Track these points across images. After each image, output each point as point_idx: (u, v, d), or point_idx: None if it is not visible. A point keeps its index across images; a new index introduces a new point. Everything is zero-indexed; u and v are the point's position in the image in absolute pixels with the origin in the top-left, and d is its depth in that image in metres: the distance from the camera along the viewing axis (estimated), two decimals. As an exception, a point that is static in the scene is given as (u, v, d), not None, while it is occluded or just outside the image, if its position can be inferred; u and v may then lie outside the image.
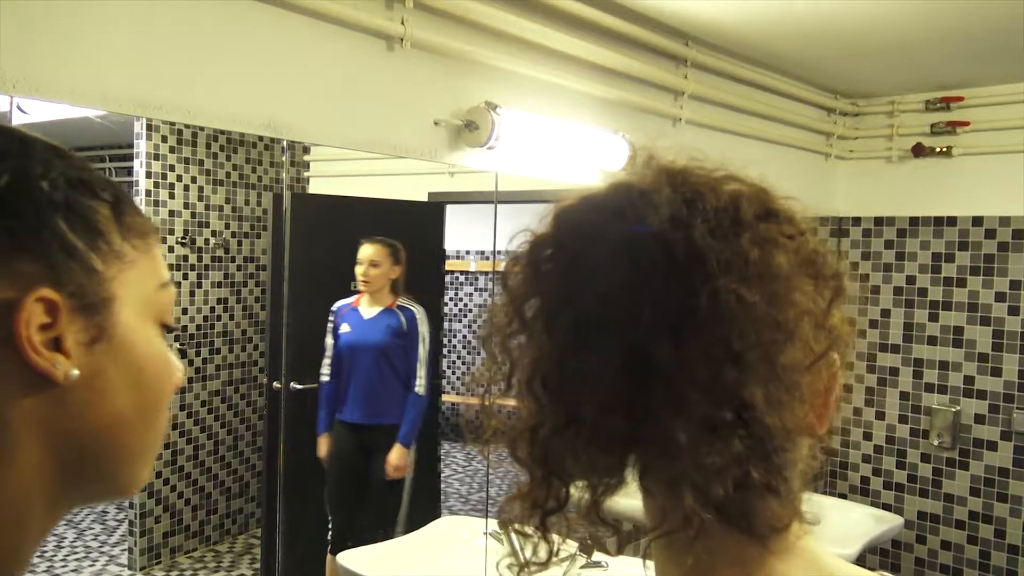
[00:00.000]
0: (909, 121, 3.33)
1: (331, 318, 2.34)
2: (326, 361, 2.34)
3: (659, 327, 0.50)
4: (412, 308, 2.39)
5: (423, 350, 2.38)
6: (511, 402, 0.59)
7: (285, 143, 1.80)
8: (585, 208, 0.55)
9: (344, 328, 2.36)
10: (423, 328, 2.38)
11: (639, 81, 2.47)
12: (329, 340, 2.35)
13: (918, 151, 3.27)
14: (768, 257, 0.51)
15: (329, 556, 2.29)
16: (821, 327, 0.53)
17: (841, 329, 0.56)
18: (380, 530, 2.27)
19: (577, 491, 0.56)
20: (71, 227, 0.47)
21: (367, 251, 2.33)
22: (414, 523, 2.28)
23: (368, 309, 2.37)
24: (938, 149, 3.24)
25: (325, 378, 2.36)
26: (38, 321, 0.45)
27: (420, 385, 2.39)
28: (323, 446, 2.36)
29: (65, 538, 2.93)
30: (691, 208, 0.52)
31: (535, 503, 0.56)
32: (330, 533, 2.31)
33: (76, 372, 0.46)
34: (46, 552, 2.75)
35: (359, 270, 2.33)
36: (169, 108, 1.45)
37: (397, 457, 2.38)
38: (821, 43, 2.63)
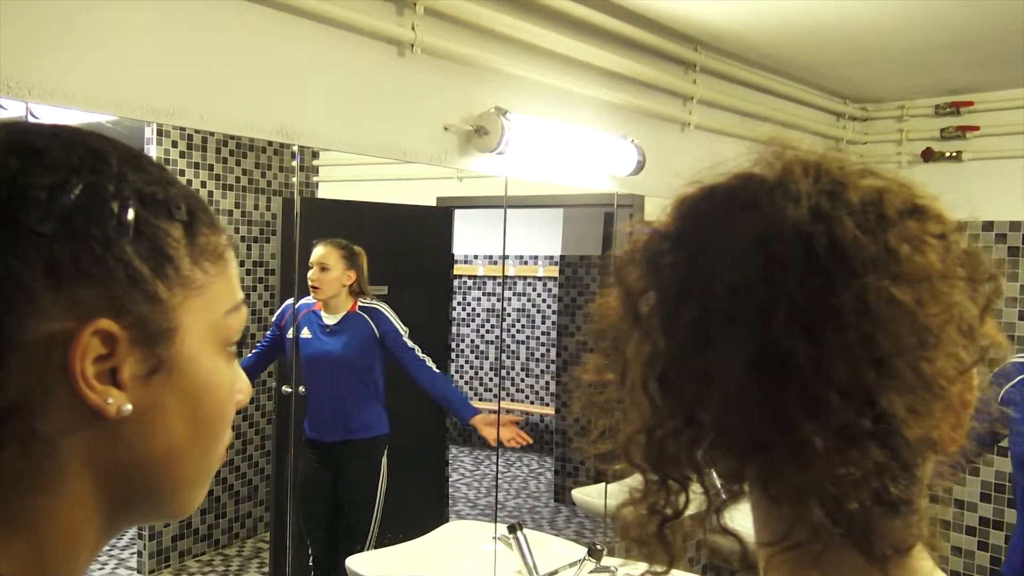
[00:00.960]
0: (919, 126, 3.32)
1: (294, 313, 2.12)
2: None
3: (795, 324, 0.46)
4: (378, 307, 2.21)
5: (407, 339, 2.21)
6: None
7: (296, 148, 1.80)
8: (711, 198, 0.52)
9: (305, 333, 2.16)
10: (396, 322, 2.20)
11: (648, 86, 2.47)
12: (289, 336, 2.12)
13: (928, 156, 3.26)
14: (919, 255, 0.48)
15: None
16: (970, 335, 0.49)
17: (996, 338, 0.52)
18: (357, 547, 2.13)
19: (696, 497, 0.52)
20: (138, 252, 0.44)
21: (317, 252, 2.10)
22: (419, 529, 2.27)
23: (329, 316, 2.18)
24: (948, 154, 3.23)
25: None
26: (94, 353, 0.42)
27: (431, 363, 2.23)
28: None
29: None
30: (834, 200, 0.48)
31: (652, 509, 0.52)
32: (311, 559, 2.15)
33: (129, 408, 0.44)
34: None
35: (309, 274, 2.09)
36: (182, 114, 1.46)
37: (487, 425, 2.25)
38: (830, 47, 2.63)
